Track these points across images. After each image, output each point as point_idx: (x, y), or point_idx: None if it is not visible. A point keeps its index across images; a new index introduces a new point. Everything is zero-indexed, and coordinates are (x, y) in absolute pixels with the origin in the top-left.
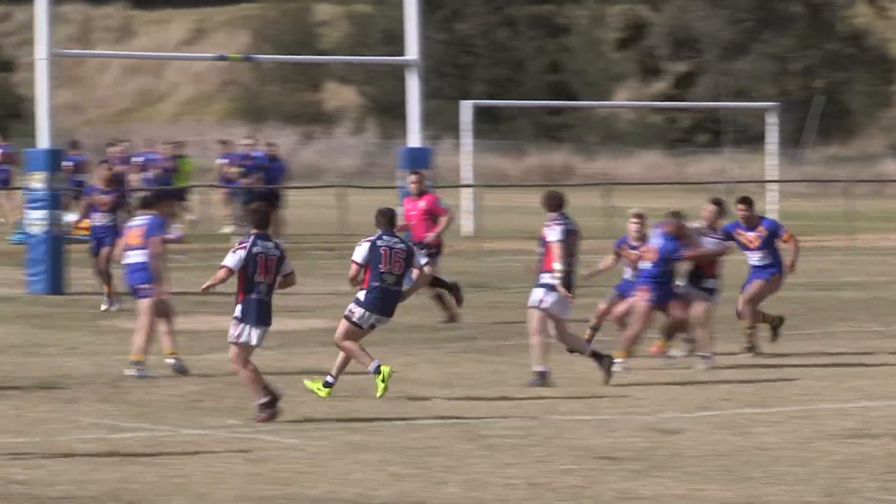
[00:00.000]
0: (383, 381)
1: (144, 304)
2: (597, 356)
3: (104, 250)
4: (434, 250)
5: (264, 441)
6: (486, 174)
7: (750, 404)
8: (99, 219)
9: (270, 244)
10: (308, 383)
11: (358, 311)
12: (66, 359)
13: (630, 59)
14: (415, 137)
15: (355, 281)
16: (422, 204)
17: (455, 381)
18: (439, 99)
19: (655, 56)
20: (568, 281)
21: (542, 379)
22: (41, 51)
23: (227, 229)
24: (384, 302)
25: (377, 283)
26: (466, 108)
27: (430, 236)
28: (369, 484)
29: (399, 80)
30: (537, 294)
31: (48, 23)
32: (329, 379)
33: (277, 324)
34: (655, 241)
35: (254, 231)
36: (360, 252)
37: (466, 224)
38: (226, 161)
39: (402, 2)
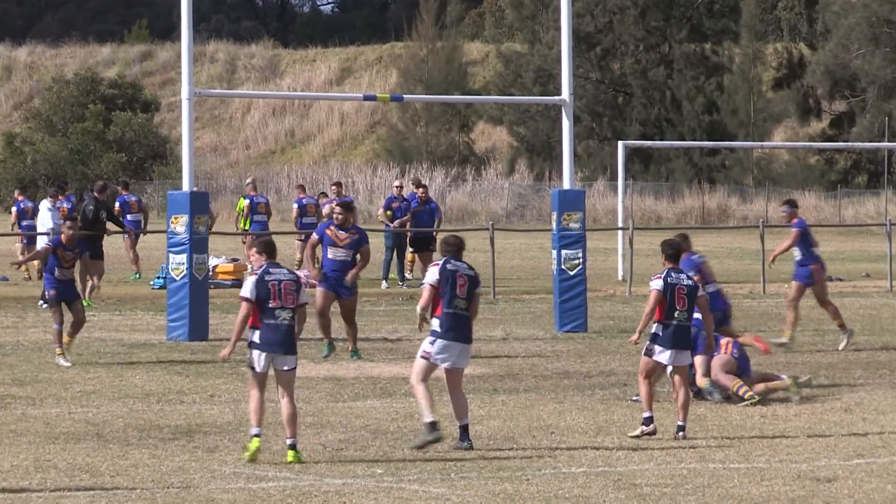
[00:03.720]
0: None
1: None
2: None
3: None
4: None
5: (410, 490)
6: (641, 216)
7: None
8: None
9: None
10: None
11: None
12: (206, 406)
13: (787, 98)
14: (567, 178)
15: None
16: None
17: (606, 428)
18: (593, 139)
19: (813, 95)
20: (678, 333)
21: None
22: (185, 90)
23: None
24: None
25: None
26: (621, 149)
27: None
28: None
29: (551, 120)
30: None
31: (190, 61)
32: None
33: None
34: None
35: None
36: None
37: (620, 267)
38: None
39: (555, 40)
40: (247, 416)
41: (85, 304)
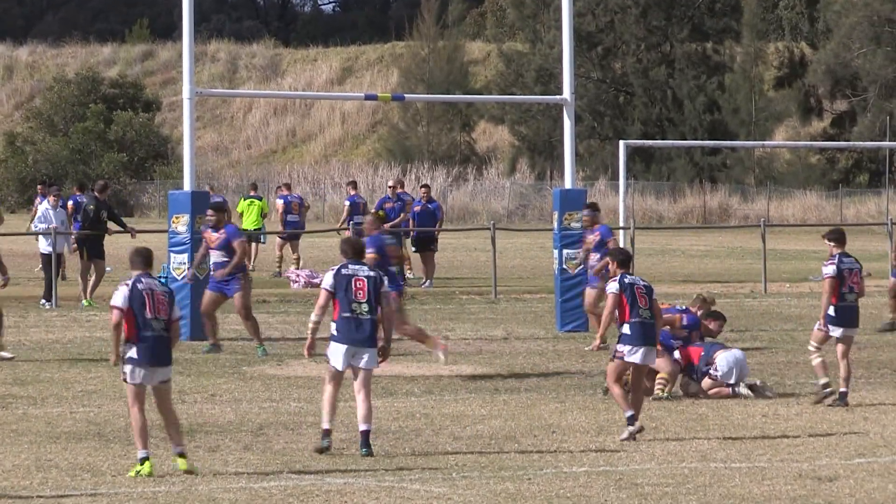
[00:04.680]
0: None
1: None
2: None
3: None
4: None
5: (412, 490)
6: (642, 215)
7: None
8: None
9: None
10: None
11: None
12: (207, 406)
13: (789, 97)
14: (569, 178)
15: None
16: None
17: (608, 428)
18: (594, 139)
19: (815, 95)
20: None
21: None
22: (186, 90)
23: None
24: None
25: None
26: (623, 148)
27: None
28: None
29: (552, 119)
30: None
31: (191, 61)
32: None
33: (425, 369)
34: None
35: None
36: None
37: None
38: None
39: (556, 40)
40: (248, 416)
41: (85, 303)
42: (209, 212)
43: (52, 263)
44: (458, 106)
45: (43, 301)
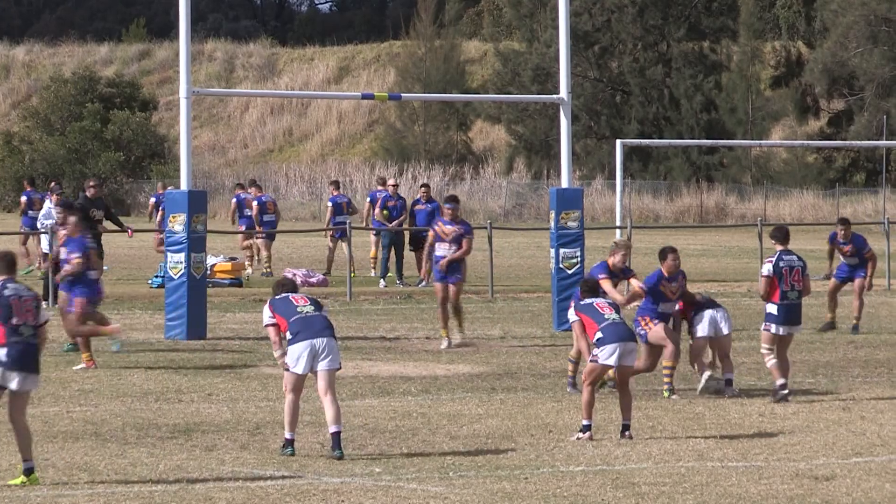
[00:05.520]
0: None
1: None
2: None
3: None
4: None
5: (408, 489)
6: (639, 214)
7: None
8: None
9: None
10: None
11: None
12: (204, 405)
13: (786, 96)
14: (566, 177)
15: None
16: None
17: (604, 427)
18: (591, 138)
19: (811, 94)
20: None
21: None
22: (183, 89)
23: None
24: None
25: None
26: (619, 148)
27: None
28: None
29: (549, 119)
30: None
31: (188, 60)
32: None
33: (422, 368)
34: None
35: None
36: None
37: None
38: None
39: (553, 39)
40: (245, 416)
41: None
42: (57, 208)
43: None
44: (455, 105)
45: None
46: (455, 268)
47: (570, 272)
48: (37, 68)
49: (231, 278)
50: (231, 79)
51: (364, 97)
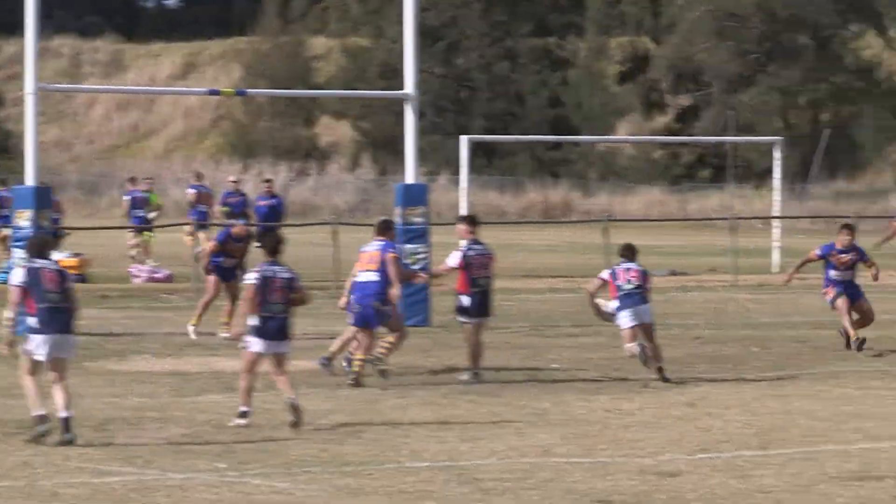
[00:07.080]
0: None
1: None
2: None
3: None
4: None
5: (253, 485)
6: (484, 210)
7: (750, 446)
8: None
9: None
10: None
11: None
12: (50, 401)
13: (632, 92)
14: (411, 173)
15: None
16: None
17: (450, 423)
18: (437, 134)
19: (658, 89)
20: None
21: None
22: (29, 85)
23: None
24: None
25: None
26: (464, 143)
27: None
28: None
29: (395, 114)
30: None
31: (35, 56)
32: None
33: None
34: None
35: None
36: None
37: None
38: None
39: (399, 35)
40: (89, 411)
41: None
42: None
43: None
44: (301, 101)
45: None
46: None
47: (416, 268)
48: None
49: (76, 274)
50: (78, 75)
51: (210, 93)
